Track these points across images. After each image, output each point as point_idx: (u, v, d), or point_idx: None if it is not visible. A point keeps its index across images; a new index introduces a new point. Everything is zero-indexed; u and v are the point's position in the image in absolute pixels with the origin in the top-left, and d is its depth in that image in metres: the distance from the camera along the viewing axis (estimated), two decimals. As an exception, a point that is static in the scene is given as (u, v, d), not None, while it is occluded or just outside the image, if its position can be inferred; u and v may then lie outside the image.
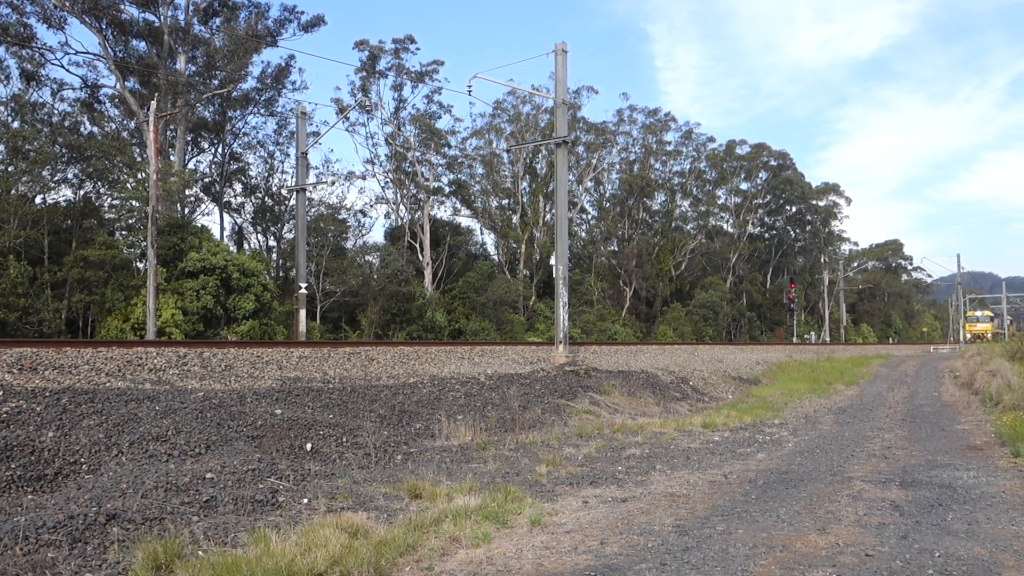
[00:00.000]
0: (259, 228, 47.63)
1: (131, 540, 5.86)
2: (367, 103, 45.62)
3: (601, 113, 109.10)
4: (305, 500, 7.43)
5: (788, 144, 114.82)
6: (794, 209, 78.99)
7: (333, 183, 44.27)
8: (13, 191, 28.30)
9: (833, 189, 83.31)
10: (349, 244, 44.52)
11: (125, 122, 38.76)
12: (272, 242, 46.90)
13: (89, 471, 7.61)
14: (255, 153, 47.05)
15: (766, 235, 77.33)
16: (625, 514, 7.05)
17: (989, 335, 69.76)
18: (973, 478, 8.64)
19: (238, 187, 46.87)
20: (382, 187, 51.55)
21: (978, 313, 78.69)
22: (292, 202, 40.97)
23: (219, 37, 38.37)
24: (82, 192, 32.68)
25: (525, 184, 54.02)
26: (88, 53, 36.15)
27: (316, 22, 41.41)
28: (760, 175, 72.33)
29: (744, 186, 71.74)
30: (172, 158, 36.43)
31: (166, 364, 11.52)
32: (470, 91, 21.16)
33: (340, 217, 44.70)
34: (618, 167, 61.67)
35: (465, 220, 55.73)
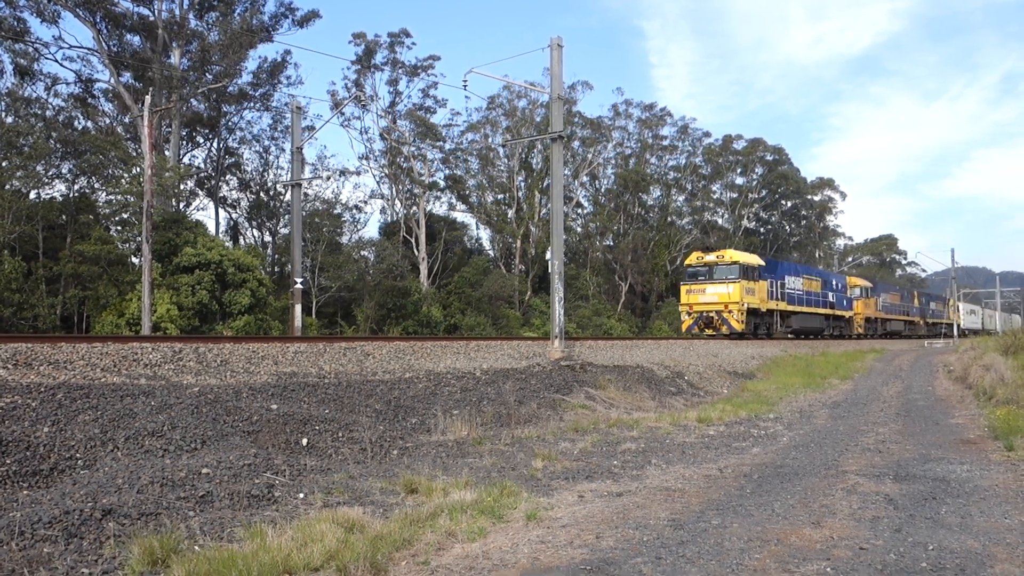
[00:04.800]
0: (254, 223, 47.56)
1: (127, 535, 5.86)
2: (362, 97, 45.54)
3: (596, 108, 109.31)
4: (301, 495, 7.43)
5: (782, 140, 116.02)
6: (789, 204, 79.22)
7: (328, 178, 44.25)
8: (7, 186, 28.21)
9: (828, 184, 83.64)
10: (344, 239, 44.50)
11: (119, 117, 38.66)
12: (267, 237, 46.84)
13: (84, 466, 7.60)
14: (250, 148, 47.02)
15: (761, 230, 77.52)
16: (620, 508, 7.07)
17: (736, 314, 31.09)
18: (967, 472, 8.69)
19: (233, 182, 46.78)
20: (377, 182, 51.60)
21: (710, 257, 32.99)
22: (287, 197, 40.90)
23: (214, 32, 38.23)
24: (76, 187, 32.60)
25: (520, 179, 54.01)
26: (82, 47, 36.04)
27: (311, 17, 41.36)
28: (756, 170, 72.43)
29: (739, 181, 71.88)
30: (167, 153, 36.32)
31: (161, 359, 11.50)
32: (465, 86, 21.13)
33: (335, 212, 44.65)
34: (614, 162, 61.69)
35: (461, 215, 55.70)
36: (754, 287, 31.86)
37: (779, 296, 34.63)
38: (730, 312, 31.15)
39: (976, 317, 78.59)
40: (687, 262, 34.17)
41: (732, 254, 32.63)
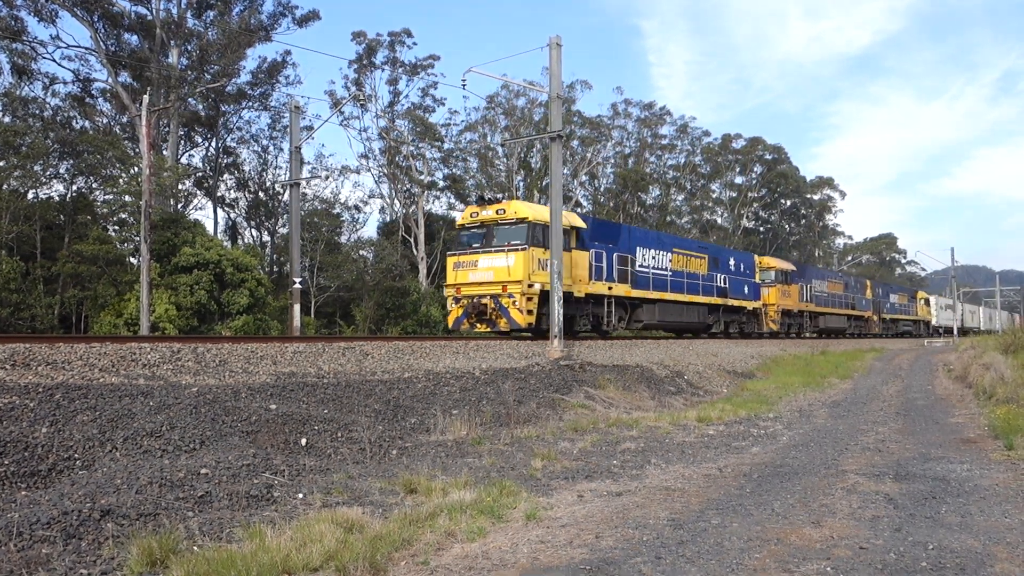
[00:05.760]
0: (253, 223, 47.57)
1: (126, 536, 5.85)
2: (361, 96, 45.54)
3: (595, 107, 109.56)
4: (300, 495, 7.42)
5: (781, 139, 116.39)
6: (789, 203, 79.29)
7: (327, 177, 44.29)
8: (5, 186, 28.19)
9: (827, 183, 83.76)
10: (343, 239, 44.52)
11: (117, 116, 38.63)
12: (266, 237, 46.85)
13: (83, 467, 7.58)
14: (248, 147, 47.04)
15: (761, 229, 77.58)
16: (620, 508, 7.06)
17: (518, 300, 19.79)
18: (967, 471, 8.68)
19: (231, 181, 46.82)
20: (376, 181, 51.61)
21: (488, 212, 21.12)
22: (286, 197, 40.88)
23: (212, 31, 38.21)
24: (74, 187, 32.59)
25: (520, 178, 54.00)
26: (80, 47, 36.04)
27: (310, 16, 41.38)
28: (755, 169, 72.50)
29: (739, 180, 71.99)
30: (165, 152, 36.31)
31: (160, 359, 11.47)
32: (464, 85, 20.95)
33: (334, 212, 44.66)
34: (613, 161, 61.72)
35: (460, 215, 55.65)
36: (522, 257, 19.99)
37: (615, 276, 23.72)
38: (510, 297, 19.66)
39: (954, 313, 69.26)
40: (459, 221, 22.18)
41: (519, 207, 21.02)
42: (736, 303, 31.73)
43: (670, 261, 27.41)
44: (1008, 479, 8.18)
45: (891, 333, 54.99)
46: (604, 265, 23.21)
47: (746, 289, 32.87)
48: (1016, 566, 5.28)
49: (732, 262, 32.13)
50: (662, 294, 26.24)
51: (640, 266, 25.28)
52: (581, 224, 22.79)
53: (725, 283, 30.89)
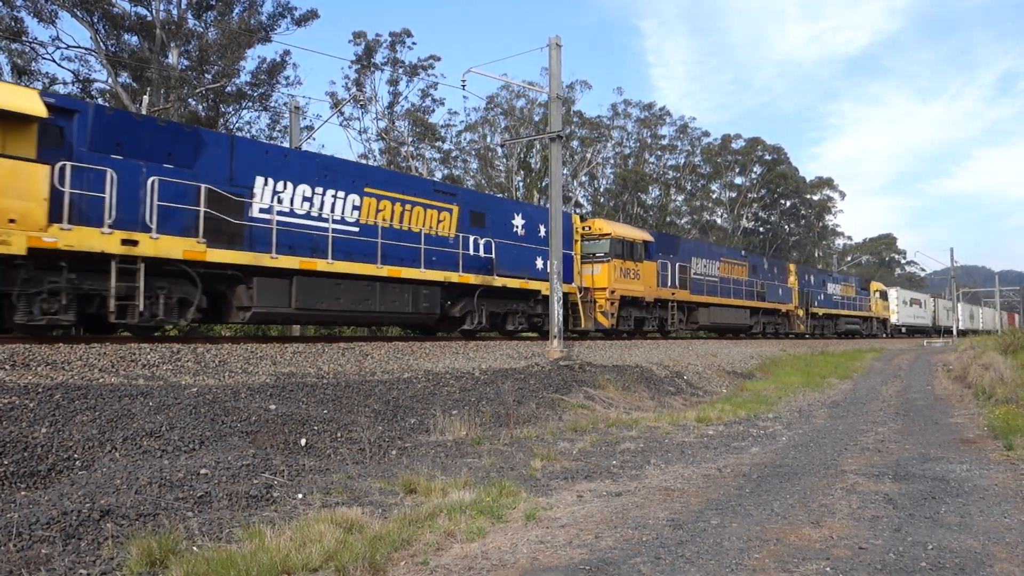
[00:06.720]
0: (253, 223, 47.50)
1: (125, 536, 5.85)
2: (361, 97, 45.57)
3: (595, 107, 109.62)
4: (300, 495, 7.42)
5: (781, 139, 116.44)
6: (788, 203, 79.32)
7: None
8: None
9: (827, 183, 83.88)
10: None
11: (117, 117, 38.57)
12: (266, 237, 46.76)
13: (83, 467, 7.59)
14: (248, 148, 46.97)
15: (760, 229, 77.61)
16: (620, 508, 7.06)
17: None
18: (966, 471, 8.68)
19: (231, 182, 46.82)
20: (376, 182, 51.48)
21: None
22: (286, 197, 40.85)
23: (212, 31, 38.22)
24: (74, 187, 32.57)
25: (519, 179, 54.02)
26: (80, 48, 36.01)
27: (310, 16, 41.35)
28: (755, 169, 72.55)
29: (738, 180, 72.04)
30: (165, 153, 36.23)
31: (160, 360, 11.47)
32: (464, 86, 20.87)
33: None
34: (612, 161, 61.74)
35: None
36: None
37: (176, 221, 12.91)
38: None
39: (922, 310, 60.26)
40: None
41: None
42: (515, 284, 20.18)
43: (357, 209, 16.25)
44: (1007, 479, 8.18)
45: (829, 332, 43.31)
46: (115, 197, 12.02)
47: (540, 263, 21.16)
48: (1016, 566, 5.28)
49: (517, 221, 20.85)
50: (312, 262, 14.91)
51: (263, 211, 14.36)
52: (38, 109, 10.97)
53: (490, 251, 19.62)
